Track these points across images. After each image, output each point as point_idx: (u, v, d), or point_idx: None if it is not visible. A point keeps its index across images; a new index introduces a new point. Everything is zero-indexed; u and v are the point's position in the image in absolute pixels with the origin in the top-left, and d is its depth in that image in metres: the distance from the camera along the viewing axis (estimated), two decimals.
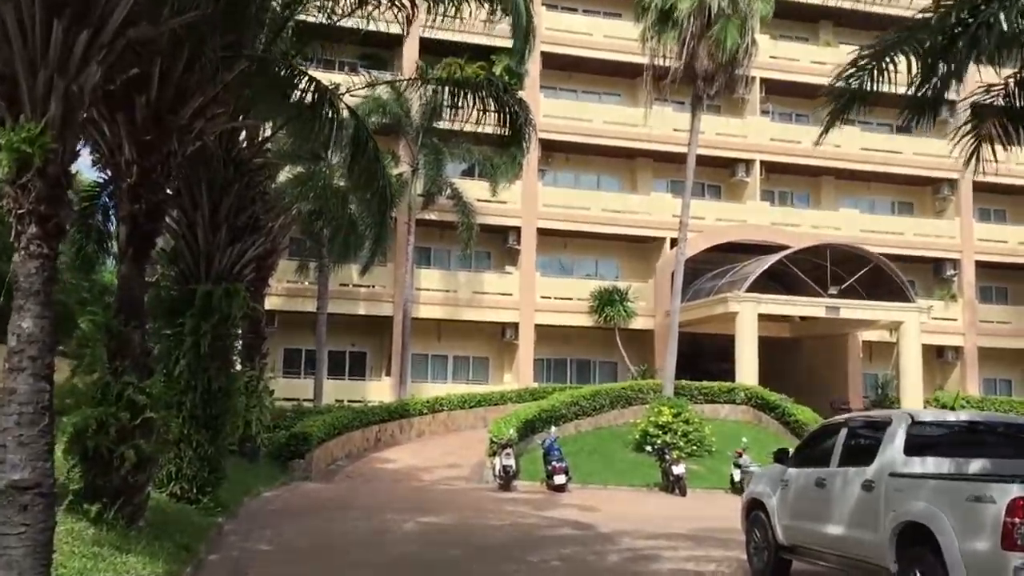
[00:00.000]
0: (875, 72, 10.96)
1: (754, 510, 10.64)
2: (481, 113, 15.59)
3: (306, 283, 31.65)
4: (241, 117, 14.18)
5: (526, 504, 18.55)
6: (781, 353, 33.92)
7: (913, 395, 30.91)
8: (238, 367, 19.55)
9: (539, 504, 18.58)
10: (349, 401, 30.76)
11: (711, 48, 24.24)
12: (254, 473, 19.97)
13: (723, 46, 23.98)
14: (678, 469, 21.45)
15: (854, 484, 8.66)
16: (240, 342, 20.64)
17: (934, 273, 37.78)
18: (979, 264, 37.43)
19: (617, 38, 34.81)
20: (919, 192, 39.37)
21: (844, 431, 9.29)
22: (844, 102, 11.36)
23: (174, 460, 13.75)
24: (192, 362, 13.73)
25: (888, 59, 10.86)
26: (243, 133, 15.69)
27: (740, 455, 22.23)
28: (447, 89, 16.26)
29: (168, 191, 11.11)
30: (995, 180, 37.36)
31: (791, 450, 10.22)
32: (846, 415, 10.12)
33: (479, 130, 32.69)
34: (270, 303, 28.70)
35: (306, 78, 12.93)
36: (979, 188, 37.75)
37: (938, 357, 36.88)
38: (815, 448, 9.87)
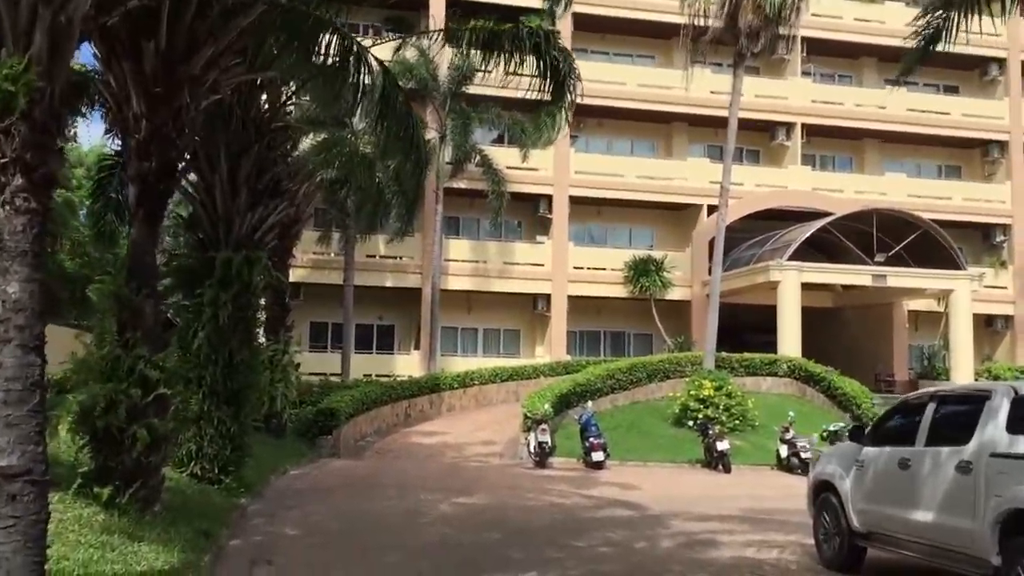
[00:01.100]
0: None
1: (823, 492, 9.67)
2: (519, 67, 14.40)
3: (331, 254, 30.88)
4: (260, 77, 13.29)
5: (564, 482, 17.69)
6: (822, 324, 32.72)
7: (964, 367, 29.69)
8: (262, 340, 18.82)
9: (578, 482, 17.70)
10: (377, 375, 30.03)
11: (757, 1, 22.90)
12: (280, 450, 19.25)
13: None
14: (722, 445, 20.48)
15: (947, 466, 7.67)
16: (263, 314, 19.90)
17: (983, 239, 36.37)
18: None
19: None
20: (967, 155, 37.84)
21: (932, 406, 8.28)
22: (930, 35, 10.16)
23: (194, 438, 13.01)
24: (212, 334, 12.94)
25: None
26: (263, 94, 14.79)
27: (787, 430, 21.22)
28: (482, 41, 15.13)
29: (180, 147, 10.19)
30: None
31: (867, 427, 9.20)
32: (934, 388, 9.08)
33: (510, 94, 31.86)
34: (295, 275, 27.96)
35: (330, 29, 11.96)
36: None
37: (987, 326, 35.49)
38: (896, 425, 8.87)
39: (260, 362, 16.29)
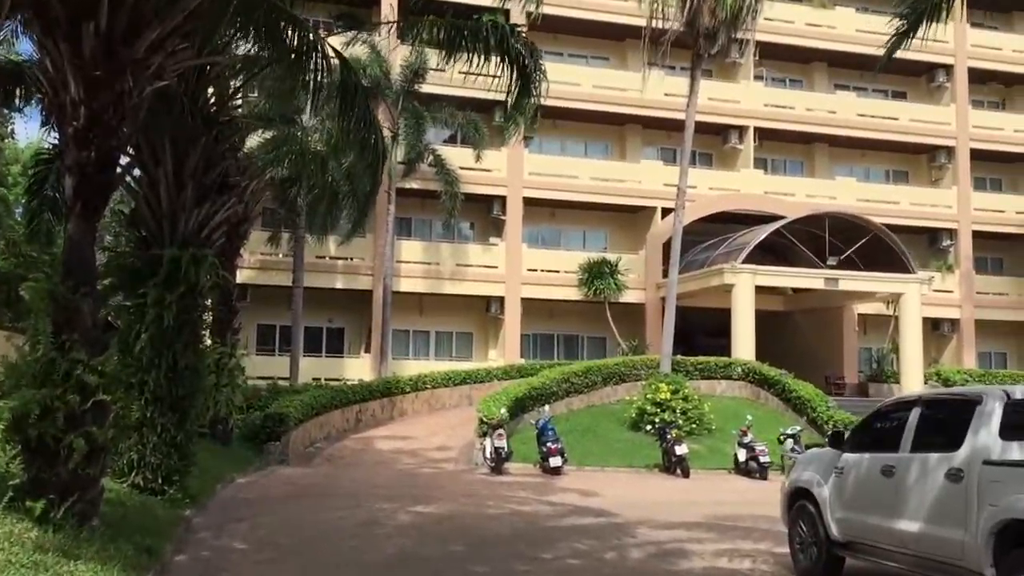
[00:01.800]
0: None
1: (799, 500, 9.34)
2: (481, 64, 13.86)
3: (280, 255, 30.07)
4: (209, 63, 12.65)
5: (523, 489, 17.22)
6: (773, 327, 32.74)
7: (913, 369, 29.90)
8: (207, 343, 18.06)
9: (537, 489, 17.26)
10: (327, 379, 29.30)
11: (714, 2, 22.73)
12: (227, 458, 18.51)
13: (723, 1, 22.52)
14: (680, 449, 20.20)
15: (935, 473, 7.37)
16: (209, 316, 19.12)
17: (929, 243, 36.77)
18: (975, 234, 36.41)
19: None
20: (914, 160, 38.29)
21: (916, 411, 7.97)
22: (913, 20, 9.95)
23: (136, 447, 12.30)
24: (155, 337, 12.24)
25: None
26: (211, 87, 14.12)
27: (745, 434, 21.04)
28: (442, 37, 14.58)
29: (122, 136, 9.53)
30: (992, 148, 36.63)
31: (846, 432, 8.88)
32: (919, 392, 8.79)
33: (463, 93, 31.30)
34: (242, 276, 27.11)
35: (286, 16, 11.36)
36: (976, 156, 36.85)
37: (934, 330, 35.88)
38: (878, 430, 8.56)
39: (206, 366, 15.59)
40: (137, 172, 12.99)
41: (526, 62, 13.21)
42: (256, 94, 25.09)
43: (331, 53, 12.47)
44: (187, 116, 12.77)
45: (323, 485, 17.04)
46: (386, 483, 17.45)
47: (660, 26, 24.73)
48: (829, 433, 8.89)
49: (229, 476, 16.99)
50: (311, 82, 12.30)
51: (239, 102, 17.61)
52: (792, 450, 20.20)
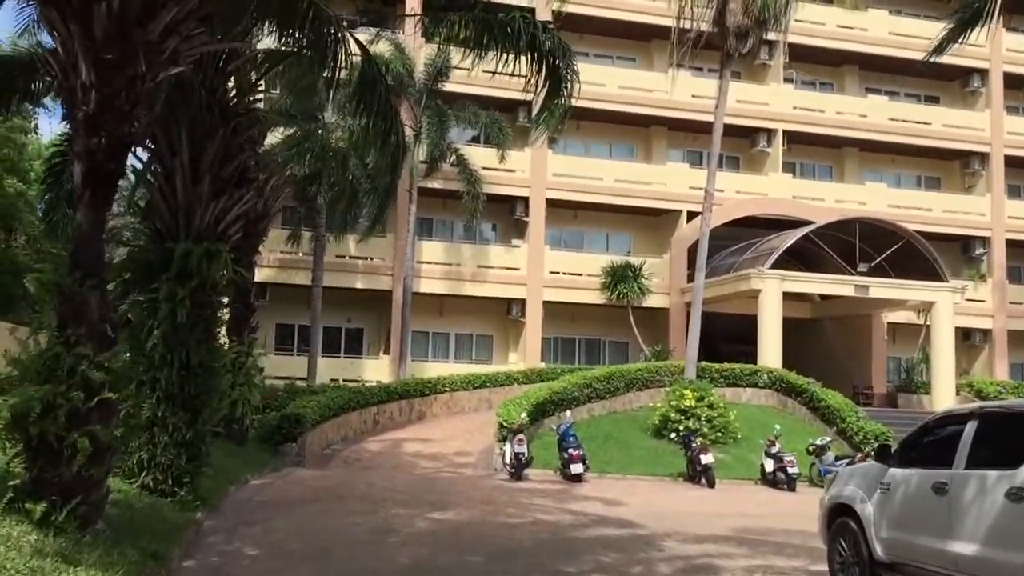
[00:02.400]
0: None
1: (841, 517, 8.80)
2: (512, 60, 13.33)
3: (300, 254, 29.72)
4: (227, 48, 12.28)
5: (543, 496, 16.73)
6: (800, 335, 32.08)
7: (945, 380, 29.17)
8: (224, 341, 17.72)
9: (558, 496, 16.76)
10: (345, 380, 28.93)
11: (746, 0, 22.18)
12: (241, 458, 18.10)
13: None
14: (706, 458, 19.63)
15: (994, 492, 6.81)
16: (226, 314, 18.78)
17: (962, 251, 35.94)
18: (1009, 243, 35.58)
19: None
20: (946, 166, 37.48)
21: (973, 424, 7.42)
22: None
23: (146, 447, 11.90)
24: (168, 333, 11.85)
25: None
26: (231, 79, 13.74)
27: (773, 444, 20.47)
28: (470, 31, 14.09)
29: (134, 123, 9.13)
30: None
31: (893, 445, 8.33)
32: (976, 403, 8.23)
33: (487, 92, 30.86)
34: (261, 275, 26.78)
35: (308, 2, 10.97)
36: (1010, 163, 36.03)
37: (965, 340, 35.05)
38: (930, 444, 7.99)
39: (221, 364, 15.20)
40: (152, 164, 12.64)
41: (557, 61, 12.71)
42: (277, 90, 24.95)
43: (353, 44, 12.14)
44: (205, 107, 12.41)
45: (339, 488, 16.60)
46: (403, 487, 17.01)
47: (688, 26, 24.17)
48: (875, 447, 8.34)
49: (243, 477, 16.60)
50: (332, 74, 11.98)
51: (260, 96, 17.28)
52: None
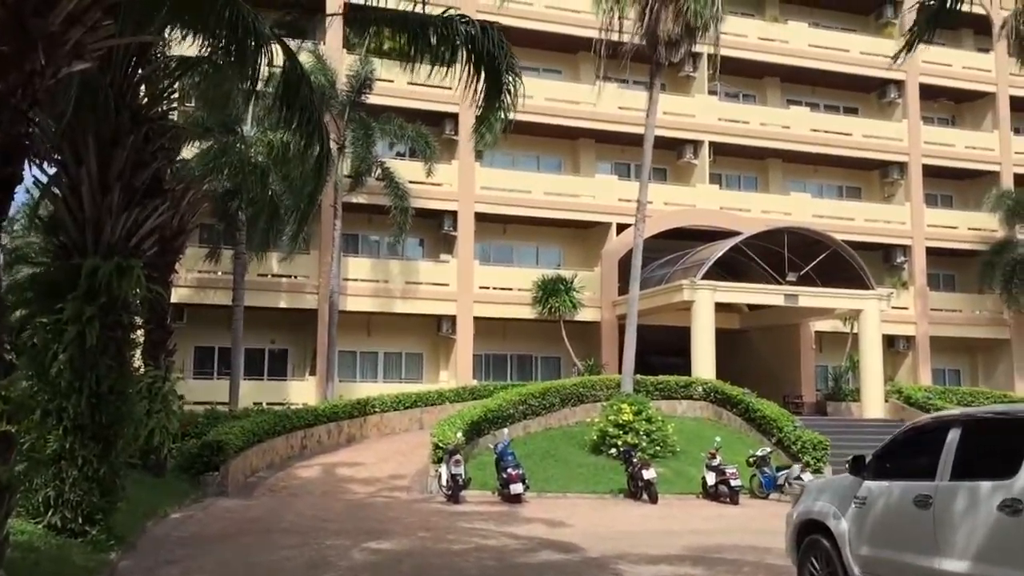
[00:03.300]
0: None
1: (811, 534, 8.30)
2: (443, 67, 12.64)
3: (219, 273, 28.46)
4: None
5: (484, 519, 16.02)
6: (729, 346, 31.93)
7: (874, 387, 29.33)
8: (138, 366, 16.59)
9: (499, 519, 16.06)
10: (269, 404, 27.68)
11: (678, 8, 21.93)
12: (159, 490, 16.97)
13: (692, 5, 21.72)
14: (648, 473, 19.15)
15: (985, 504, 6.36)
16: (141, 337, 17.65)
17: (884, 260, 36.42)
18: (928, 251, 36.22)
19: (559, 8, 32.54)
20: (866, 176, 38.07)
21: (956, 431, 6.97)
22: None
23: (52, 483, 10.90)
24: (75, 357, 10.85)
25: None
26: (142, 87, 12.76)
27: (714, 456, 20.10)
28: (397, 40, 13.37)
29: (31, 124, 8.19)
30: (942, 164, 36.59)
31: (867, 456, 7.86)
32: (960, 409, 7.80)
33: (412, 106, 30.12)
34: (178, 295, 25.55)
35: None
36: (927, 172, 36.75)
37: (889, 347, 35.45)
38: (907, 454, 7.54)
39: (136, 390, 14.14)
40: (56, 172, 11.61)
41: (498, 64, 12.08)
42: (192, 103, 23.82)
43: (276, 47, 11.35)
44: (114, 111, 11.44)
45: (266, 519, 15.62)
46: (336, 516, 16.10)
47: (616, 38, 23.84)
48: (851, 458, 7.85)
49: (162, 511, 15.53)
50: (252, 79, 11.12)
51: (174, 105, 16.30)
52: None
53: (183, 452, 19.72)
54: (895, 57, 11.67)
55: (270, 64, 11.11)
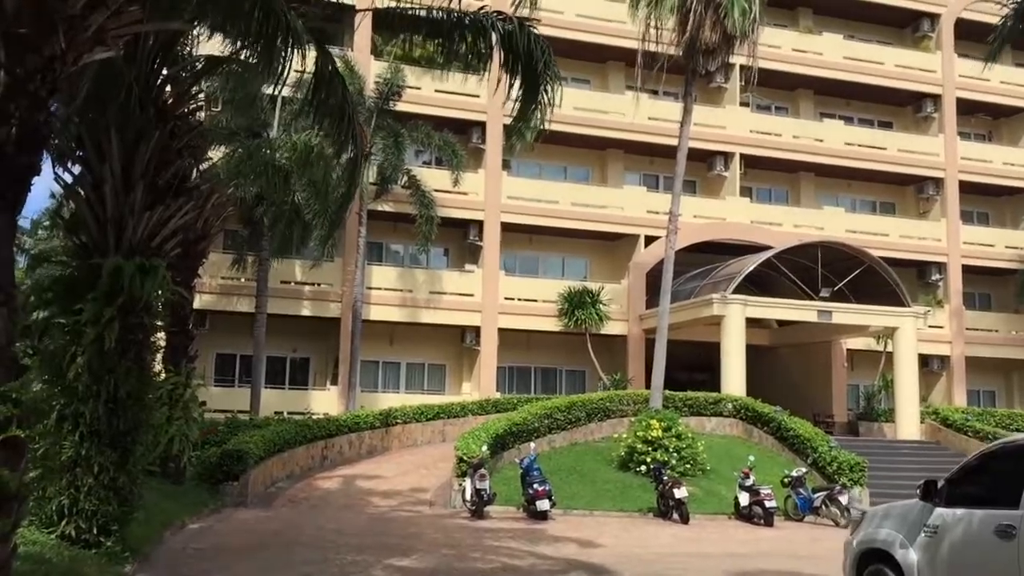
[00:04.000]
0: None
1: (874, 564, 7.71)
2: (477, 68, 12.20)
3: (242, 279, 28.09)
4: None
5: (511, 537, 15.44)
6: (758, 363, 31.21)
7: (909, 407, 28.51)
8: (159, 371, 16.18)
9: (526, 537, 15.47)
10: (290, 413, 27.29)
11: (716, 16, 21.42)
12: (178, 499, 16.53)
13: (731, 13, 21.20)
14: (680, 492, 18.51)
15: None
16: (162, 340, 17.27)
17: (918, 277, 35.59)
18: (964, 268, 35.38)
19: (589, 17, 32.10)
20: (901, 192, 37.31)
21: None
22: None
23: (67, 491, 10.45)
24: (94, 361, 10.43)
25: None
26: (168, 86, 12.35)
27: (747, 476, 19.44)
28: (426, 47, 12.97)
29: (51, 112, 7.79)
30: (979, 180, 35.80)
31: (939, 481, 7.26)
32: None
33: (439, 113, 29.82)
34: (200, 301, 25.24)
35: None
36: (963, 189, 35.97)
37: (923, 367, 34.54)
38: (987, 480, 6.95)
39: (156, 396, 13.74)
40: (78, 169, 11.23)
41: (536, 62, 11.60)
42: (218, 107, 23.53)
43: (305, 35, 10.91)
44: (139, 105, 11.03)
45: (286, 532, 15.13)
46: (357, 530, 15.59)
47: (654, 48, 23.34)
48: (922, 483, 7.25)
49: (179, 521, 15.09)
50: (281, 75, 10.68)
51: (200, 104, 15.93)
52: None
53: (202, 461, 19.29)
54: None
55: (302, 65, 10.74)
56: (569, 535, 15.64)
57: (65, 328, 10.52)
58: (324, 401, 28.96)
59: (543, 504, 17.98)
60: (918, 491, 7.22)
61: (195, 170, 14.96)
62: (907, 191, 37.17)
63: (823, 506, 19.61)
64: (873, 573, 7.71)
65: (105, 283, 10.42)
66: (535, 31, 11.49)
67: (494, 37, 11.73)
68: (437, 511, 19.05)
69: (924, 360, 34.29)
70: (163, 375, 17.06)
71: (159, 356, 16.43)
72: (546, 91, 11.68)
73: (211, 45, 16.32)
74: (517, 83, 11.88)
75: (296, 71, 10.89)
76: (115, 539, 10.77)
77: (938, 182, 35.82)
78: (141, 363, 11.27)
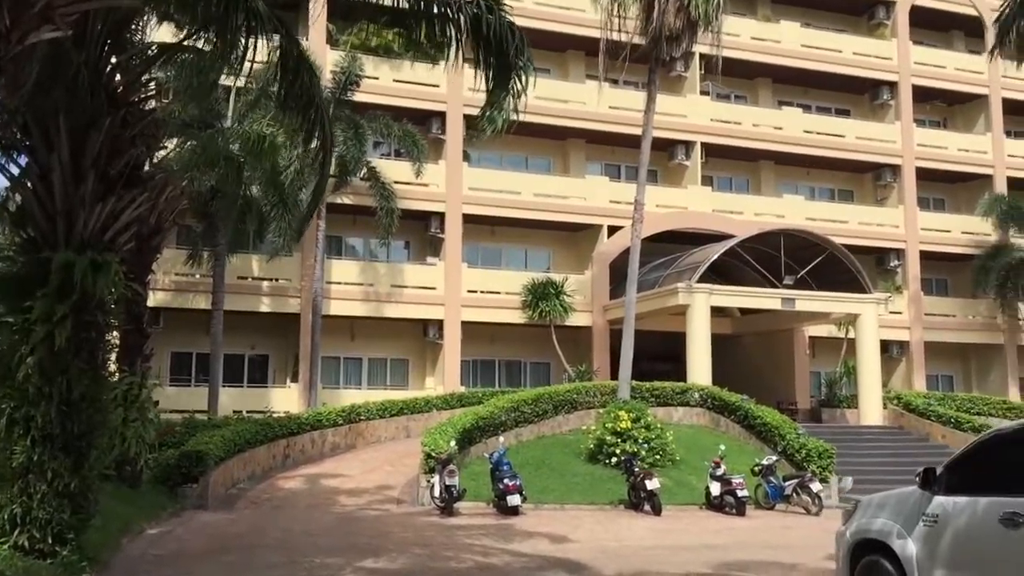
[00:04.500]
0: None
1: (869, 555, 7.47)
2: (442, 49, 11.68)
3: (198, 276, 27.32)
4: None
5: (482, 534, 15.10)
6: (722, 351, 31.05)
7: (872, 393, 28.63)
8: (113, 371, 15.52)
9: (498, 533, 15.13)
10: (249, 412, 26.65)
11: (680, 1, 21.17)
12: (135, 504, 15.92)
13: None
14: (652, 484, 18.27)
15: None
16: (116, 339, 16.58)
17: (877, 264, 35.79)
18: (921, 254, 35.67)
19: (550, 5, 31.77)
20: (859, 179, 37.51)
21: None
22: None
23: (20, 499, 9.93)
24: (45, 361, 9.90)
25: None
26: (117, 74, 11.76)
27: (719, 465, 19.26)
28: (390, 31, 12.50)
29: None
30: (935, 167, 36.10)
31: (938, 468, 7.03)
32: None
33: (399, 103, 29.26)
34: (154, 299, 24.46)
35: None
36: (920, 175, 36.24)
37: (883, 353, 34.79)
38: (990, 466, 6.71)
39: (111, 398, 13.13)
40: (24, 159, 10.66)
41: (507, 48, 11.13)
42: (170, 99, 22.76)
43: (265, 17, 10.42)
44: (88, 91, 10.46)
45: (249, 535, 14.63)
46: (324, 530, 15.13)
47: (616, 36, 23.02)
48: (921, 471, 7.01)
49: (138, 526, 14.54)
50: (240, 55, 10.20)
51: (152, 92, 15.31)
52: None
53: (160, 463, 18.62)
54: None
55: (267, 49, 10.25)
56: (542, 530, 15.33)
57: (13, 327, 9.98)
58: (284, 399, 28.36)
59: (514, 499, 17.64)
60: (917, 479, 6.98)
61: (148, 161, 14.35)
62: (865, 178, 37.40)
63: (794, 494, 19.52)
64: (868, 565, 7.47)
65: (55, 279, 9.87)
66: (506, 15, 11.01)
67: (462, 20, 11.26)
68: (405, 509, 18.63)
69: (884, 346, 34.42)
70: (117, 375, 16.41)
71: (112, 356, 15.79)
72: (518, 77, 11.22)
73: (165, 33, 15.84)
74: (485, 71, 11.37)
75: (254, 62, 10.41)
76: (71, 548, 10.25)
77: (895, 169, 36.07)
78: (95, 363, 10.73)
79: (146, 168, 13.61)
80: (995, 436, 6.79)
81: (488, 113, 11.73)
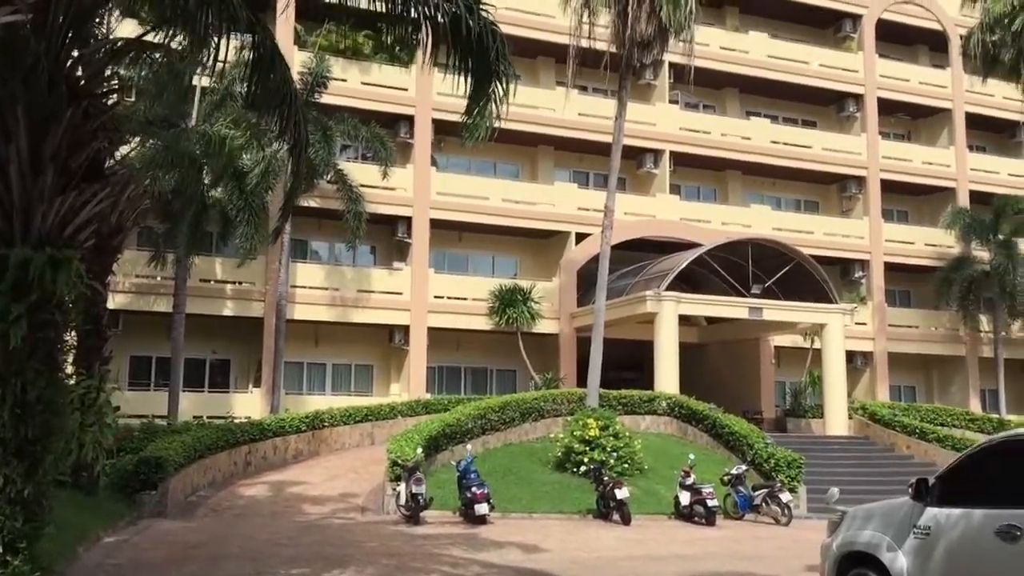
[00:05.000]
0: None
1: (857, 568, 7.29)
2: (415, 52, 11.35)
3: (159, 278, 26.72)
4: None
5: (451, 543, 14.78)
6: (687, 360, 31.01)
7: (838, 403, 28.76)
8: (71, 374, 15.00)
9: (467, 543, 14.83)
10: (210, 417, 25.96)
11: (652, 8, 21.08)
12: (91, 511, 15.39)
13: (665, 5, 20.90)
14: (621, 493, 18.09)
15: None
16: (74, 341, 16.07)
17: (842, 275, 36.01)
18: (886, 266, 35.96)
19: (518, 11, 31.54)
20: (825, 190, 37.76)
21: None
22: None
23: None
24: None
25: None
26: (79, 67, 11.34)
27: (688, 474, 19.14)
28: (367, 27, 12.12)
29: None
30: (899, 179, 36.46)
31: (931, 479, 6.86)
32: None
33: (367, 107, 28.88)
34: (114, 302, 23.86)
35: None
36: (884, 187, 36.56)
37: (847, 363, 34.99)
38: (986, 478, 6.57)
39: (68, 401, 12.64)
40: None
41: (488, 50, 10.81)
42: (133, 98, 22.24)
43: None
44: (48, 81, 10.02)
45: (210, 544, 14.18)
46: (288, 539, 14.72)
47: (586, 42, 22.85)
48: (914, 481, 6.84)
49: (94, 534, 14.05)
50: (210, 50, 9.87)
51: (115, 85, 14.85)
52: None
53: (118, 469, 18.10)
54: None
55: (239, 43, 9.91)
56: (511, 540, 15.05)
57: None
58: (246, 404, 27.82)
59: (482, 508, 17.36)
60: (909, 490, 6.82)
61: (110, 156, 13.89)
62: (831, 189, 37.65)
63: (763, 504, 19.44)
64: None
65: (11, 276, 9.41)
66: (486, 15, 10.70)
67: (441, 21, 10.93)
68: (371, 517, 18.24)
69: (849, 356, 34.55)
70: (75, 378, 15.88)
71: (70, 358, 15.28)
72: (500, 82, 10.90)
73: (131, 28, 15.38)
74: (465, 76, 11.03)
75: (225, 61, 10.11)
76: (23, 558, 9.75)
77: (860, 180, 36.36)
78: (52, 365, 10.24)
79: (108, 164, 13.12)
80: (992, 446, 6.63)
81: (472, 120, 11.39)
